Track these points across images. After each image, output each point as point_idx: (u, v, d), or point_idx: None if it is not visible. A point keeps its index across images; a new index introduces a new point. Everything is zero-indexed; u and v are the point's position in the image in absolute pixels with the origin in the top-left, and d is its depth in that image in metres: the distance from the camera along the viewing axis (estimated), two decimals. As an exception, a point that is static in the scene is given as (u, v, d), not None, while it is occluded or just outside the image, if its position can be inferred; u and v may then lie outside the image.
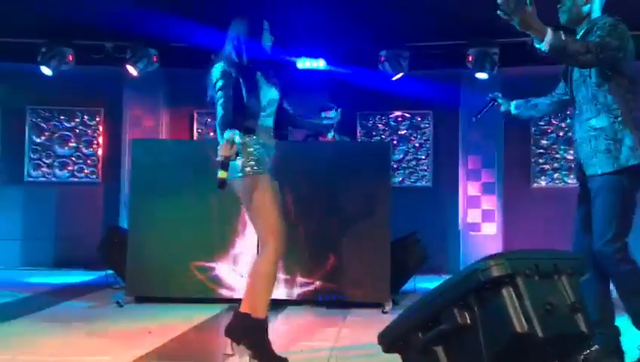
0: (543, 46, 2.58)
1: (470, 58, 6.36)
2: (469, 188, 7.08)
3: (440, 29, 6.26)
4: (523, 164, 7.12)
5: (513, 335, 1.89)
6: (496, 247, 6.56)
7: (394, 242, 4.80)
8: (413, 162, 7.30)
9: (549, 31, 2.56)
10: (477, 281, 1.98)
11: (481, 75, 6.41)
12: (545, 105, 3.19)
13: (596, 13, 2.86)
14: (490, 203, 7.01)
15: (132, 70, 6.69)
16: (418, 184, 7.27)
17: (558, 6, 2.91)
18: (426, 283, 4.72)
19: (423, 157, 7.28)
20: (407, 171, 7.29)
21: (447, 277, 2.23)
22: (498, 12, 2.52)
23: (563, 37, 2.60)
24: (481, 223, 7.01)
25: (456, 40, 6.43)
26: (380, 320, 3.20)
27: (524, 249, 2.59)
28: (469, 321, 2.03)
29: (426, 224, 6.91)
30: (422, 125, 7.29)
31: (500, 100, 3.29)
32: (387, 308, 4.42)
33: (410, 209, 7.04)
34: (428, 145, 7.26)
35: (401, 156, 7.29)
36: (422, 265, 5.26)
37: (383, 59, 6.46)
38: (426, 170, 7.28)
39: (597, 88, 2.76)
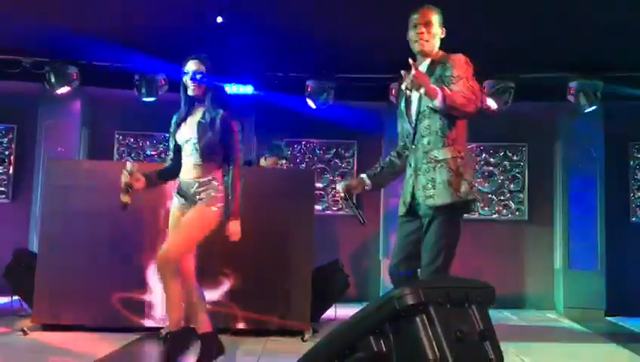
0: (435, 103, 2.71)
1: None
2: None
3: (367, 62, 6.42)
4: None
5: (426, 363, 1.93)
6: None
7: (316, 269, 4.81)
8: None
9: (440, 91, 2.71)
10: (393, 309, 2.01)
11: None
12: (397, 163, 3.08)
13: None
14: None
15: (50, 87, 6.43)
16: (340, 213, 7.33)
17: (420, 32, 2.89)
18: (348, 310, 4.74)
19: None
20: (332, 199, 7.34)
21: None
22: (403, 87, 2.77)
23: (448, 91, 2.72)
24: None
25: (383, 73, 6.61)
26: (299, 349, 3.17)
27: (438, 277, 2.66)
28: (384, 349, 2.05)
29: (348, 252, 7.01)
30: (346, 154, 7.41)
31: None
32: (307, 336, 4.41)
33: (332, 237, 7.11)
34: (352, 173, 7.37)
35: (326, 184, 7.35)
36: (343, 293, 5.30)
37: (309, 88, 6.55)
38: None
39: (445, 122, 2.81)
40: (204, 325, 3.32)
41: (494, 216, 7.25)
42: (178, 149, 3.42)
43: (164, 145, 6.92)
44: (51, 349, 3.88)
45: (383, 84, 6.62)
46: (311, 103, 6.55)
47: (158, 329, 4.43)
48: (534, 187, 7.24)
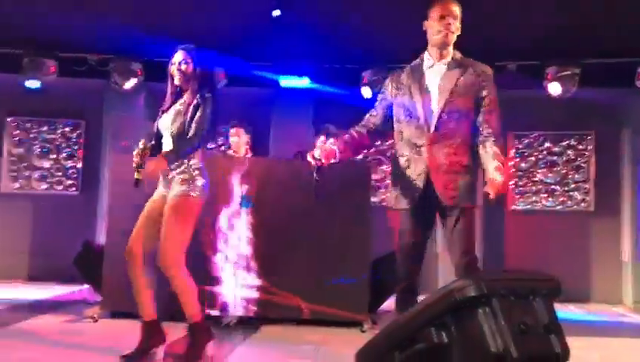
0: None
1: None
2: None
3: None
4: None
5: (488, 355, 1.90)
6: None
7: (374, 261, 4.80)
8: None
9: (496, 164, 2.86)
10: (453, 301, 2.00)
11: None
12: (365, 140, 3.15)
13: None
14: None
15: (115, 83, 6.66)
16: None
17: (448, 23, 2.95)
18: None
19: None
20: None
21: (425, 295, 2.24)
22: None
23: (502, 158, 2.89)
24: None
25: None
26: (359, 339, 3.18)
27: (501, 270, 2.61)
28: (445, 340, 2.04)
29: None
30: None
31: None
32: (365, 327, 4.41)
33: (390, 228, 7.06)
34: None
35: (382, 175, 7.31)
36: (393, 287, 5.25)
37: (365, 79, 6.51)
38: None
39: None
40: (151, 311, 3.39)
41: (558, 207, 7.04)
42: (160, 137, 3.44)
43: (225, 137, 7.05)
44: (120, 335, 4.04)
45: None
46: (366, 93, 6.51)
47: (221, 317, 4.54)
48: (601, 177, 6.97)
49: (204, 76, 3.44)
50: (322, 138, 5.55)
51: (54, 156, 7.37)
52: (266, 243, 4.64)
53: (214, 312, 4.60)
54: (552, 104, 6.54)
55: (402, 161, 3.02)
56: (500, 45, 6.02)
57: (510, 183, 7.12)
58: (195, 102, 3.34)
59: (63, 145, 7.40)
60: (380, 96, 3.17)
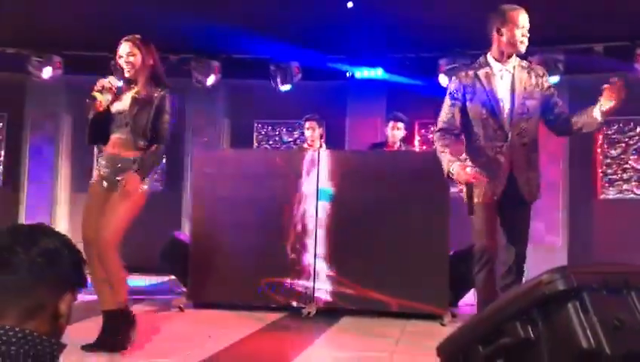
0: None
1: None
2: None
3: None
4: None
5: (579, 352, 1.82)
6: (560, 260, 6.35)
7: (455, 254, 4.72)
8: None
9: None
10: (541, 295, 1.92)
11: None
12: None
13: None
14: (554, 214, 6.78)
15: (196, 81, 6.89)
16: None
17: (524, 34, 3.15)
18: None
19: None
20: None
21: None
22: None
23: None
24: (545, 235, 6.79)
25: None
26: (439, 332, 3.14)
27: (592, 262, 2.49)
28: (532, 336, 1.96)
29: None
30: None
31: None
32: (446, 320, 4.35)
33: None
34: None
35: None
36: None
37: (442, 68, 6.39)
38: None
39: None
40: (109, 302, 3.31)
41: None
42: (111, 120, 3.37)
43: (300, 131, 7.13)
44: (205, 325, 4.18)
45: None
46: (444, 82, 6.38)
47: (301, 308, 4.61)
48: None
49: (155, 68, 3.39)
50: (391, 123, 5.52)
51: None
52: (345, 235, 4.65)
53: (294, 303, 4.68)
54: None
55: (483, 160, 3.18)
56: (586, 27, 5.74)
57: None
58: (155, 101, 3.31)
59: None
60: (450, 101, 3.29)
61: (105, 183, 3.36)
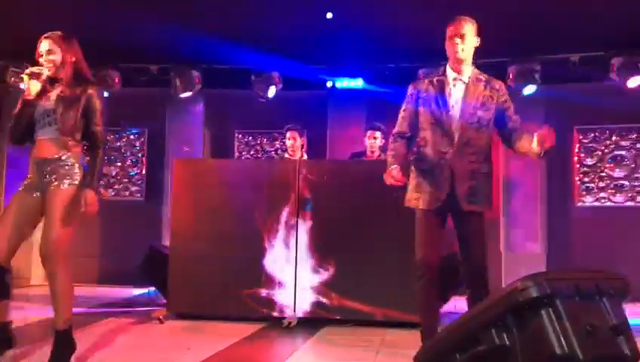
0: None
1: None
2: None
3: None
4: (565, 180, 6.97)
5: (552, 357, 1.85)
6: (540, 267, 6.41)
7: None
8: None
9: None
10: (515, 302, 1.95)
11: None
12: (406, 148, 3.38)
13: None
14: (534, 222, 6.85)
15: (175, 91, 6.87)
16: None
17: (456, 43, 3.21)
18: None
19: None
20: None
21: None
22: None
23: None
24: (524, 242, 6.86)
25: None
26: (418, 341, 3.15)
27: (565, 269, 2.53)
28: (507, 342, 1.99)
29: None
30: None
31: None
32: (426, 329, 4.36)
33: (449, 228, 6.95)
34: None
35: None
36: (462, 285, 5.16)
37: (421, 76, 6.44)
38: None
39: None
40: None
41: (628, 203, 6.75)
42: (33, 123, 3.15)
43: (281, 141, 7.14)
44: (186, 336, 4.16)
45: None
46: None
47: (281, 318, 4.60)
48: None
49: (78, 64, 3.21)
50: (369, 133, 5.58)
51: (120, 163, 7.66)
52: (327, 244, 4.66)
53: (275, 314, 4.66)
54: (617, 96, 6.29)
55: (427, 165, 3.23)
56: (562, 36, 5.84)
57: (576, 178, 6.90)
58: (83, 100, 3.13)
59: (128, 152, 7.68)
60: (404, 105, 3.36)
61: (36, 191, 3.12)
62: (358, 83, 6.72)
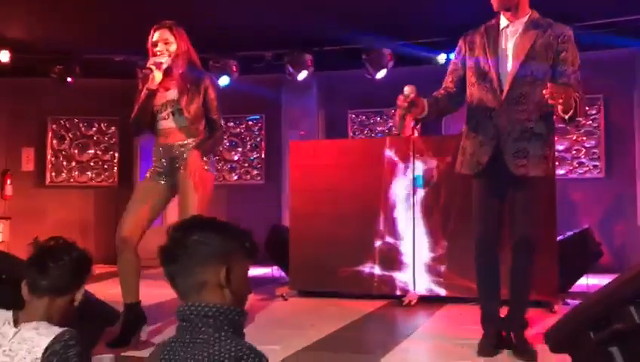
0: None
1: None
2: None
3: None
4: None
5: None
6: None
7: (563, 239, 4.49)
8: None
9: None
10: (658, 277, 1.79)
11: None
12: (447, 103, 3.01)
13: None
14: None
15: (290, 75, 7.02)
16: (588, 175, 6.72)
17: None
18: (602, 281, 4.34)
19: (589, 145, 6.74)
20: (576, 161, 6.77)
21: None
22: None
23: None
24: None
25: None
26: (549, 320, 3.01)
27: None
28: (647, 321, 1.83)
29: (599, 218, 6.39)
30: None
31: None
32: (556, 308, 4.16)
33: (580, 203, 6.54)
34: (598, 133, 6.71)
35: (568, 145, 6.79)
36: (595, 262, 4.86)
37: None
38: (597, 160, 6.71)
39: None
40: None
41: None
42: (153, 112, 3.23)
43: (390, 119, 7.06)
44: (308, 312, 4.27)
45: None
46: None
47: (401, 296, 4.58)
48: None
49: (190, 54, 3.24)
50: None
51: (240, 149, 7.98)
52: (443, 222, 4.56)
53: (396, 292, 4.66)
54: None
55: (472, 125, 2.90)
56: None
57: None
58: (201, 89, 3.18)
59: (248, 138, 7.97)
60: (453, 59, 3.05)
61: (164, 178, 3.24)
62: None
